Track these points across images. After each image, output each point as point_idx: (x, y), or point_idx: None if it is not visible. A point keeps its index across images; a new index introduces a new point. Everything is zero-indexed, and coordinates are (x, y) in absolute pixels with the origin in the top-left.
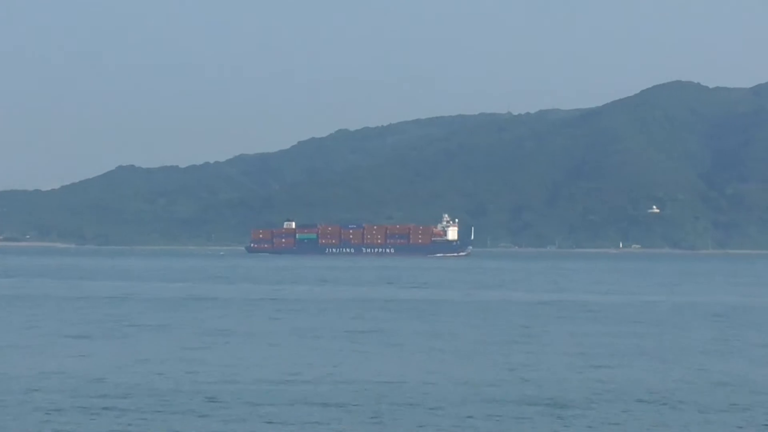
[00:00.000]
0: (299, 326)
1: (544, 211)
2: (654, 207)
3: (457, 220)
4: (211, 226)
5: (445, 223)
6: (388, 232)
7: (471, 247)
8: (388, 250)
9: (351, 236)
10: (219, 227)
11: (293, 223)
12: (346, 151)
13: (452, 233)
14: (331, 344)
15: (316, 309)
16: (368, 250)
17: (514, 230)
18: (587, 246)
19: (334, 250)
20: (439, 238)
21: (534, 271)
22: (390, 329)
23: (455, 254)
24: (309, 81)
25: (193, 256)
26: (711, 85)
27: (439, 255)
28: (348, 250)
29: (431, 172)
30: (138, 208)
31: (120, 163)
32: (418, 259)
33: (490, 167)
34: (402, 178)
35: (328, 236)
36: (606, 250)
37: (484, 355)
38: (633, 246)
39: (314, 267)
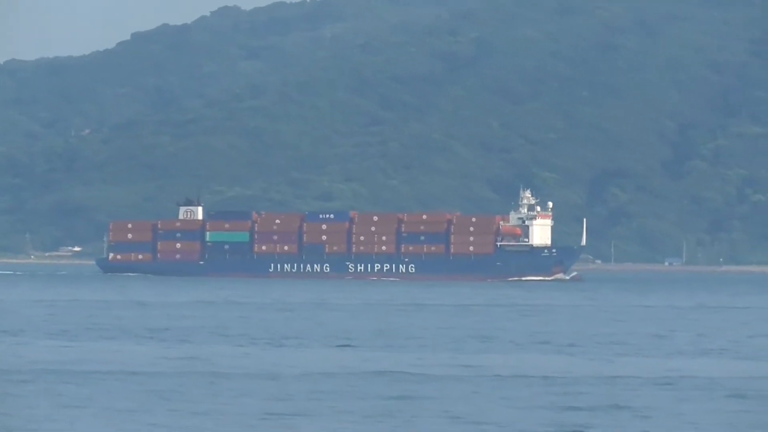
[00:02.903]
0: None
1: (660, 185)
2: None
3: (550, 205)
4: None
5: (525, 209)
6: (403, 228)
7: (586, 255)
8: (402, 267)
9: (324, 237)
10: None
11: (199, 210)
12: (237, 54)
13: (541, 233)
14: None
15: None
16: (359, 267)
17: (598, 227)
18: (750, 259)
19: (287, 266)
20: (512, 243)
21: None
22: None
23: (546, 277)
24: None
25: None
26: None
27: (512, 278)
28: (318, 266)
29: (419, 100)
30: None
31: None
32: (474, 288)
33: (544, 90)
34: (357, 113)
35: (274, 237)
36: None
37: None
38: None
39: (256, 316)
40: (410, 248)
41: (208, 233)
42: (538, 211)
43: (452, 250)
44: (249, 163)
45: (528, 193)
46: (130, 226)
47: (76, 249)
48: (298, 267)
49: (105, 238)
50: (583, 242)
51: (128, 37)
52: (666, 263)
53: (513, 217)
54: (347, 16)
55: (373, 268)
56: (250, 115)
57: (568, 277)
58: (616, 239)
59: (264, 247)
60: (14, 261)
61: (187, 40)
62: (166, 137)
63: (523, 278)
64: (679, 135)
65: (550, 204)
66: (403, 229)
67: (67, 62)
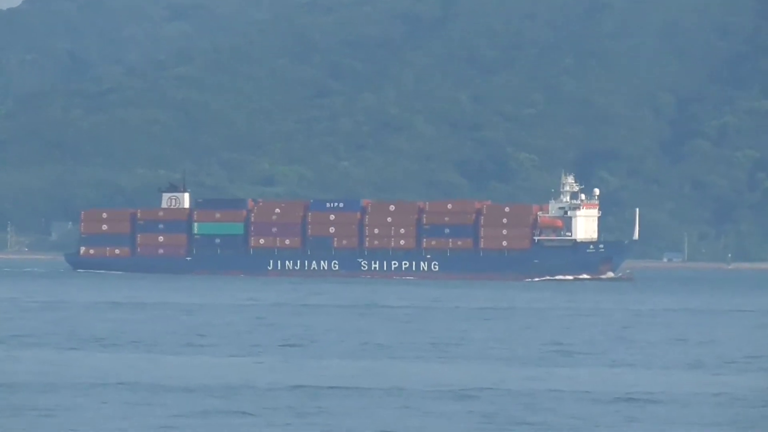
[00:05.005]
0: None
1: (656, 168)
2: None
3: (597, 193)
4: None
5: (567, 198)
6: (425, 219)
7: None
8: (423, 264)
9: (332, 229)
10: None
11: (185, 197)
12: (160, 15)
13: (586, 225)
14: None
15: None
16: (374, 265)
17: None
18: (762, 255)
19: (289, 263)
20: (552, 237)
21: None
22: None
23: (593, 276)
24: None
25: None
26: None
27: (546, 277)
28: (325, 263)
29: (375, 68)
30: None
31: None
32: (506, 290)
33: (521, 58)
34: (301, 84)
35: (273, 229)
36: None
37: None
38: None
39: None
40: (433, 243)
41: (195, 224)
42: (582, 200)
43: (482, 245)
44: (174, 142)
45: (571, 179)
46: (104, 215)
47: None
48: (302, 264)
49: (9, 229)
50: (636, 236)
51: None
52: (664, 259)
53: (553, 207)
54: None
55: (389, 265)
56: (176, 86)
57: (616, 276)
58: (605, 232)
59: (261, 241)
60: None
61: (106, 3)
62: (79, 111)
63: (557, 278)
64: (679, 111)
65: (597, 191)
66: (424, 220)
67: None
